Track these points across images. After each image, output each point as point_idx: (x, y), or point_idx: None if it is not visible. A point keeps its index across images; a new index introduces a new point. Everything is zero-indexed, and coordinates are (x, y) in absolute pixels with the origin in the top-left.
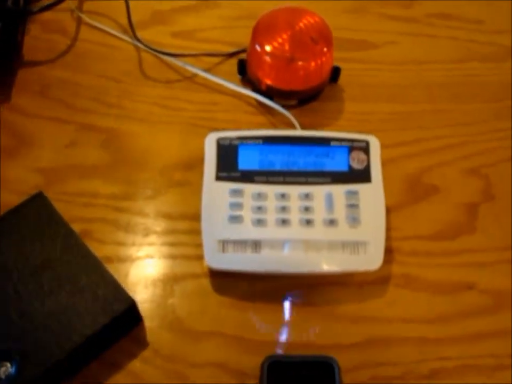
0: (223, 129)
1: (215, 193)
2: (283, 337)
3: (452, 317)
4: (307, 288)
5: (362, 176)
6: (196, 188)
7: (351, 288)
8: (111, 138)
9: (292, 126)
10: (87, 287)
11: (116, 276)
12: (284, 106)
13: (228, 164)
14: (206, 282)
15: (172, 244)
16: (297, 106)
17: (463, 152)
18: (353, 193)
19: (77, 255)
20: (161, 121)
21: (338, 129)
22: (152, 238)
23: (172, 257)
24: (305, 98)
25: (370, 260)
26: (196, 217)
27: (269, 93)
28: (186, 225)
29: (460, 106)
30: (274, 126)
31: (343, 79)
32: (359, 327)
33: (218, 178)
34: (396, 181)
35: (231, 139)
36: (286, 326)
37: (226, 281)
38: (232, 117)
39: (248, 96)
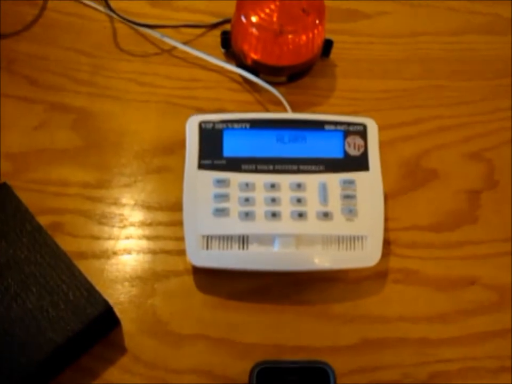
0: (205, 111)
1: (198, 183)
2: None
3: (453, 316)
4: (297, 285)
5: (359, 163)
6: (177, 175)
7: (345, 285)
8: (82, 118)
9: (281, 105)
10: (58, 289)
11: (91, 274)
12: (271, 83)
13: (211, 151)
14: (189, 280)
15: (151, 238)
16: (286, 83)
17: (463, 133)
18: (349, 183)
19: (45, 253)
20: (137, 100)
21: (330, 109)
22: (130, 231)
23: (152, 252)
24: (294, 75)
25: (367, 255)
26: (177, 207)
27: (255, 68)
28: (167, 216)
29: (459, 84)
30: (262, 105)
31: (334, 53)
32: (354, 327)
33: (201, 166)
34: (392, 165)
35: (214, 123)
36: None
37: (211, 279)
38: (215, 95)
39: (232, 72)
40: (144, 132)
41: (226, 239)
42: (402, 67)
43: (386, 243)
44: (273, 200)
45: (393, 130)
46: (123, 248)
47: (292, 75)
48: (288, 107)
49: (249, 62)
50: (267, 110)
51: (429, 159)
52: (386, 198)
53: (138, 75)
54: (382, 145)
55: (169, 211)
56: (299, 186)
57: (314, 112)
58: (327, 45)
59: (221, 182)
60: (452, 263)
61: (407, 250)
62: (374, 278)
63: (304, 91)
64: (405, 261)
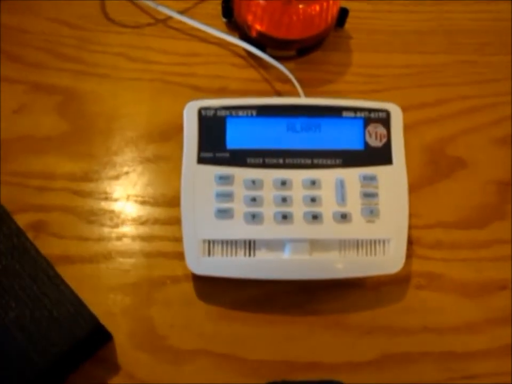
0: (205, 91)
1: (197, 180)
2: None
3: (482, 325)
4: (309, 292)
5: (381, 156)
6: (175, 164)
7: (363, 292)
8: (67, 100)
9: (290, 83)
10: (39, 304)
11: (78, 281)
12: (279, 58)
13: (213, 142)
14: (188, 287)
15: (146, 238)
16: (295, 57)
17: (493, 116)
18: (371, 179)
19: (25, 262)
20: (128, 78)
21: (344, 87)
22: (122, 230)
23: (147, 255)
24: (305, 48)
25: (389, 261)
26: (175, 201)
27: (261, 41)
28: (164, 213)
29: (488, 59)
30: (269, 83)
31: (349, 23)
32: (373, 340)
33: (201, 160)
34: (413, 153)
35: (216, 109)
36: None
37: (213, 286)
38: (216, 72)
39: (235, 45)
40: (136, 115)
41: (230, 244)
42: (425, 39)
43: (408, 243)
44: (284, 199)
45: (415, 112)
46: (115, 251)
47: (302, 49)
48: (299, 87)
49: (254, 34)
50: (275, 89)
51: (455, 145)
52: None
53: (129, 49)
54: (403, 129)
55: (166, 207)
56: (313, 183)
57: (327, 91)
58: (342, 14)
59: (223, 179)
60: (481, 265)
61: (431, 251)
62: (394, 283)
63: (316, 67)
64: (429, 264)
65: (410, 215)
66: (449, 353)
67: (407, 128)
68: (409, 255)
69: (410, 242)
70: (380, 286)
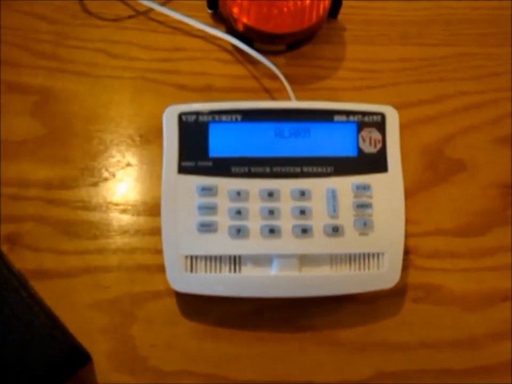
0: (190, 89)
1: (178, 191)
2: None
3: (483, 340)
4: (299, 307)
5: (376, 163)
6: (157, 170)
7: (356, 306)
8: (42, 101)
9: (279, 80)
10: (11, 327)
11: (55, 297)
12: (268, 52)
13: (194, 150)
14: (171, 303)
15: (127, 250)
16: (285, 51)
17: (494, 113)
18: (364, 188)
19: None
20: (107, 76)
21: (338, 84)
22: (101, 242)
23: (128, 269)
24: (295, 42)
25: (384, 276)
26: (156, 210)
27: (248, 35)
28: (145, 222)
29: (488, 50)
30: (257, 80)
31: (342, 13)
32: (368, 357)
33: (181, 170)
34: (410, 155)
35: (198, 114)
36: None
37: (197, 302)
38: (201, 68)
39: (221, 39)
40: (116, 116)
41: (214, 260)
42: (423, 30)
43: (404, 253)
44: (271, 212)
45: (412, 109)
46: (93, 265)
47: (292, 43)
48: (288, 87)
49: (240, 27)
50: (263, 86)
51: (454, 146)
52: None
53: (109, 44)
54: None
55: (147, 216)
56: (303, 194)
57: (319, 88)
58: (335, 5)
59: (206, 190)
60: (482, 275)
61: (429, 260)
62: (390, 296)
63: (307, 62)
64: (427, 275)
65: (407, 222)
66: (447, 371)
67: (403, 127)
68: (406, 265)
69: (406, 251)
70: (374, 299)
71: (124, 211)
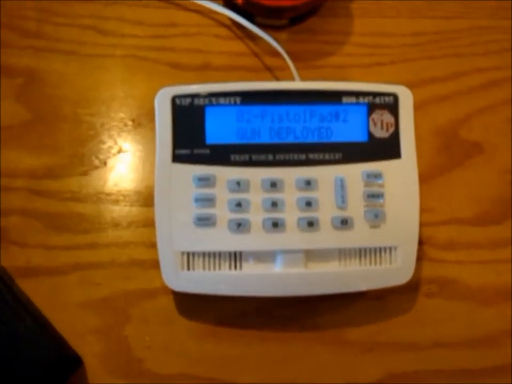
0: (185, 68)
1: (173, 182)
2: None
3: (501, 338)
4: (305, 304)
5: (388, 148)
6: (151, 156)
7: (365, 302)
8: (28, 83)
9: (282, 57)
10: None
11: (43, 297)
12: (269, 27)
13: (190, 137)
14: (168, 301)
15: (120, 244)
16: (288, 26)
17: None
18: (375, 176)
19: None
20: (97, 55)
21: (345, 60)
22: (92, 236)
23: (122, 265)
24: (299, 16)
25: (397, 271)
26: (151, 201)
27: (248, 9)
28: (139, 214)
29: (506, 24)
30: (258, 58)
31: None
32: (377, 357)
33: (176, 158)
34: (423, 138)
35: (193, 97)
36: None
37: (196, 300)
38: (198, 45)
39: (219, 14)
40: (107, 99)
41: (213, 256)
42: (436, 2)
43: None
44: (274, 204)
45: (425, 88)
46: (84, 261)
47: (295, 16)
48: (291, 64)
49: (239, 0)
50: (265, 64)
51: (470, 127)
52: None
53: (99, 21)
54: None
55: (141, 206)
56: (308, 183)
57: (324, 65)
58: None
59: (203, 180)
60: (500, 267)
61: (443, 252)
62: (401, 292)
63: (312, 37)
64: (441, 267)
65: (420, 211)
66: (463, 371)
67: (415, 108)
68: (418, 257)
69: (419, 242)
70: (384, 295)
71: (116, 202)
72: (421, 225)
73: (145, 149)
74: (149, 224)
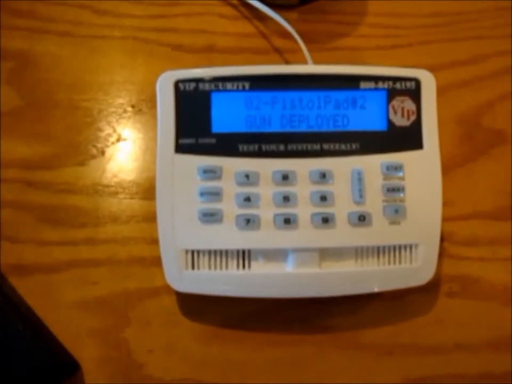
0: (189, 50)
1: (176, 173)
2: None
3: None
4: (317, 305)
5: (409, 138)
6: (152, 145)
7: (382, 302)
8: (20, 67)
9: (292, 39)
10: None
11: (37, 297)
12: (279, 6)
13: (194, 125)
14: (170, 301)
15: (119, 240)
16: (298, 5)
17: None
18: (396, 169)
19: None
20: (94, 36)
21: (359, 42)
22: (89, 231)
23: (121, 262)
24: None
25: (418, 271)
26: (152, 193)
27: None
28: (139, 207)
29: None
30: (266, 39)
31: None
32: (395, 361)
33: (179, 148)
34: (443, 126)
35: (198, 82)
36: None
37: (201, 300)
38: (201, 25)
39: None
40: (104, 83)
41: (220, 255)
42: None
43: None
44: (286, 198)
45: (445, 73)
46: (81, 258)
47: None
48: (303, 45)
49: None
50: (273, 46)
51: (493, 114)
52: None
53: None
54: None
55: (142, 199)
56: (323, 176)
57: (337, 48)
58: None
59: (209, 172)
60: None
61: (466, 248)
62: (421, 291)
63: (324, 17)
64: (463, 265)
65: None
66: (487, 375)
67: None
68: (439, 254)
69: (440, 238)
70: (402, 295)
71: (114, 194)
72: (441, 220)
73: (146, 137)
74: (150, 218)
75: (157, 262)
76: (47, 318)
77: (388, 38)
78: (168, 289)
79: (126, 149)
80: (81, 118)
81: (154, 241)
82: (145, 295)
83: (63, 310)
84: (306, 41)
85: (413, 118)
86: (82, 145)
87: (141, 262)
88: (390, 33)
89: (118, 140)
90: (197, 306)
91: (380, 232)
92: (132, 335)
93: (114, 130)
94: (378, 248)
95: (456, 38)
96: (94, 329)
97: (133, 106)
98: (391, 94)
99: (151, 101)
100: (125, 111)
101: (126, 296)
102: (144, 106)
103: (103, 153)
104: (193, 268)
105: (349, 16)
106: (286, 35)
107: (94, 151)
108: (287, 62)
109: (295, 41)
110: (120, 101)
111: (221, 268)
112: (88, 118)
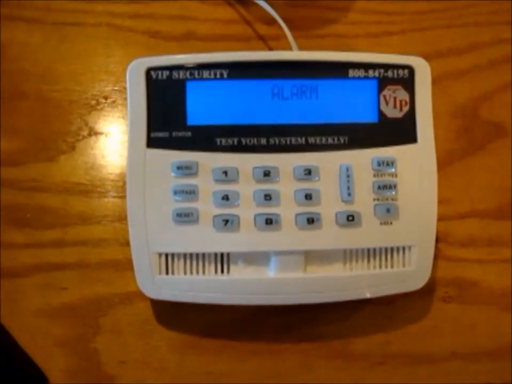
0: (166, 37)
1: (148, 170)
2: None
3: None
4: (304, 311)
5: (402, 131)
6: (125, 139)
7: (373, 308)
8: None
9: (277, 25)
10: None
11: (2, 304)
12: None
13: (168, 117)
14: (144, 308)
15: (90, 242)
16: None
17: None
18: (387, 164)
19: None
20: (64, 23)
21: (349, 30)
22: (58, 232)
23: (92, 265)
24: None
25: (412, 275)
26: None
27: None
28: (112, 205)
29: None
30: (250, 26)
31: None
32: (387, 371)
33: (151, 143)
34: (439, 117)
35: (172, 69)
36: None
37: (178, 307)
38: (180, 11)
39: None
40: (76, 73)
41: (196, 259)
42: None
43: None
44: (268, 197)
45: (440, 61)
46: (48, 261)
47: None
48: (288, 32)
49: None
50: (257, 33)
51: (491, 106)
52: None
53: None
54: None
55: (114, 198)
56: (309, 172)
57: (325, 35)
58: None
59: (184, 169)
60: None
61: (462, 250)
62: (414, 296)
63: (311, 2)
64: (459, 267)
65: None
66: None
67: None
68: (434, 256)
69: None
70: (394, 301)
71: (85, 192)
72: (437, 219)
73: (120, 131)
74: (124, 218)
75: (130, 265)
76: (12, 326)
77: (380, 24)
78: (142, 295)
79: (98, 143)
80: (50, 110)
81: (128, 243)
82: (118, 302)
83: (28, 317)
84: (292, 28)
85: (406, 109)
86: (51, 140)
87: (113, 265)
88: (382, 19)
89: (90, 133)
90: (174, 314)
91: (370, 233)
92: (103, 345)
93: (86, 124)
94: (368, 250)
95: (453, 24)
96: (62, 338)
97: (106, 97)
98: (382, 83)
99: (126, 92)
100: (98, 103)
101: (96, 303)
102: (119, 97)
103: (73, 148)
104: (167, 272)
105: (338, 1)
106: (270, 21)
107: (64, 146)
108: (270, 50)
109: (281, 28)
110: (93, 92)
111: (197, 273)
112: (58, 110)
